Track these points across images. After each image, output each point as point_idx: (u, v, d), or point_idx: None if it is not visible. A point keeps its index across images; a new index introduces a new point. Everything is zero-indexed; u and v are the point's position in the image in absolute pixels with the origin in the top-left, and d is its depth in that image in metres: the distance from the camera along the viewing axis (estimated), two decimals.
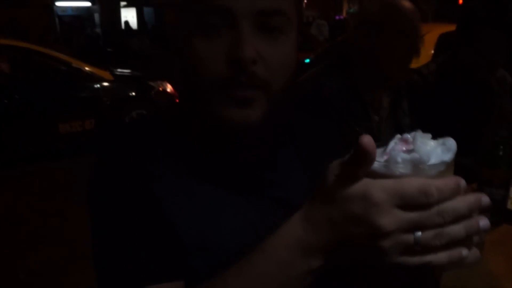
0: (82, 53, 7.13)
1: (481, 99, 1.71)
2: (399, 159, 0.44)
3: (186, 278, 0.62)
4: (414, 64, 1.90)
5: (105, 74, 5.27)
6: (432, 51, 4.74)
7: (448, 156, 0.45)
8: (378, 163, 0.45)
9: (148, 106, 5.30)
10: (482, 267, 1.16)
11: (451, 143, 0.46)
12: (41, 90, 4.76)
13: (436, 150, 0.45)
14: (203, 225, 0.65)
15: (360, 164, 0.44)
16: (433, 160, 0.44)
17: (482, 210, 0.47)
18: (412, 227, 0.43)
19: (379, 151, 0.47)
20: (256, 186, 0.70)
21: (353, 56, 1.47)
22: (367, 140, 0.42)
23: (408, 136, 0.47)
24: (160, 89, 5.62)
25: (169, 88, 5.76)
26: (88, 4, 15.80)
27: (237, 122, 0.63)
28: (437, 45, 4.79)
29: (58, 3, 14.11)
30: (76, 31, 11.90)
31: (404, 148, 0.46)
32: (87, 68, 5.10)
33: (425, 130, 1.48)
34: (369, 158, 0.43)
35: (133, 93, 5.38)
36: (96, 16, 15.82)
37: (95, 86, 5.10)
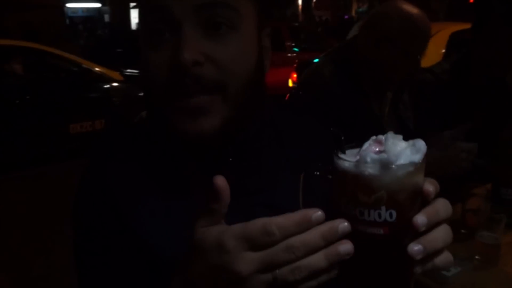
0: (92, 53, 7.18)
1: (496, 98, 1.68)
2: (368, 159, 0.45)
3: None
4: (425, 63, 1.89)
5: (115, 74, 5.31)
6: (443, 50, 4.71)
7: (417, 157, 0.46)
8: (349, 163, 0.46)
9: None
10: (498, 269, 1.14)
11: (421, 144, 0.47)
12: (52, 90, 4.80)
13: (405, 151, 0.46)
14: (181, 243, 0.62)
15: (216, 202, 0.46)
16: (402, 161, 0.45)
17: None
18: (268, 267, 0.43)
19: (354, 151, 0.49)
20: (242, 193, 0.66)
21: (358, 59, 1.46)
22: (219, 181, 0.46)
23: (382, 137, 0.48)
24: None
25: None
26: (98, 5, 15.93)
27: (192, 133, 0.60)
28: (449, 44, 4.75)
29: (68, 4, 14.25)
30: (86, 32, 12.00)
31: (376, 149, 0.47)
32: (97, 69, 5.14)
33: (437, 128, 1.45)
34: (223, 196, 0.46)
35: (142, 94, 5.39)
36: (106, 17, 15.95)
37: (105, 86, 5.14)
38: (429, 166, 1.31)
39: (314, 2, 19.19)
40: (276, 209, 0.64)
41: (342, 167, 0.47)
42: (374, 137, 0.49)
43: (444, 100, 1.67)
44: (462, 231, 1.29)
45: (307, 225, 0.43)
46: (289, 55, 8.13)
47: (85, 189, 0.70)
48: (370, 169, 0.45)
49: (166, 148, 0.67)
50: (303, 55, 7.53)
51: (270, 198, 0.68)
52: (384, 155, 0.45)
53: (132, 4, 15.85)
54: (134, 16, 16.31)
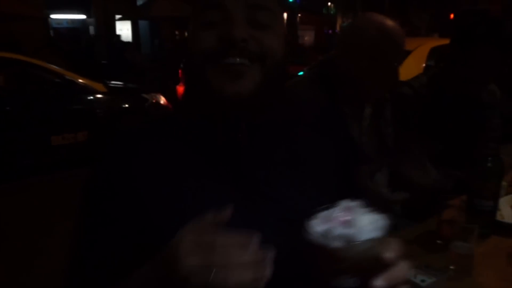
0: (76, 65, 7.13)
1: (471, 112, 1.72)
2: (335, 234, 0.50)
3: None
4: (406, 77, 1.93)
5: (99, 86, 5.27)
6: (424, 64, 4.82)
7: (379, 233, 0.51)
8: (317, 236, 0.51)
9: (141, 118, 5.29)
10: (471, 280, 1.15)
11: (383, 222, 0.52)
12: (34, 102, 4.73)
13: (368, 227, 0.51)
14: (182, 217, 0.65)
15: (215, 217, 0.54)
16: (365, 236, 0.50)
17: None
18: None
19: (325, 214, 0.54)
20: (248, 183, 0.72)
21: (337, 74, 1.47)
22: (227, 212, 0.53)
23: (351, 204, 0.54)
24: (154, 101, 5.62)
25: (162, 100, 5.77)
26: (84, 16, 15.87)
27: (229, 94, 0.68)
28: (429, 58, 4.87)
29: (53, 16, 14.15)
30: (71, 44, 11.92)
31: (345, 218, 0.52)
32: (80, 80, 5.09)
33: (413, 141, 1.47)
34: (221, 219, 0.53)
35: (127, 105, 5.37)
36: (91, 29, 15.89)
37: (89, 98, 5.09)
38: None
39: (299, 16, 19.48)
40: (278, 203, 0.72)
41: (312, 238, 0.52)
42: (344, 203, 0.54)
43: (422, 114, 1.71)
44: (438, 241, 1.31)
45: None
46: None
47: (100, 164, 0.74)
48: (336, 243, 0.50)
49: (186, 131, 0.74)
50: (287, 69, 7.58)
51: (273, 191, 0.72)
52: (349, 231, 0.50)
53: (117, 16, 15.85)
54: (120, 28, 16.28)
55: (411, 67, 4.31)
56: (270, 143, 0.75)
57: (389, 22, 1.39)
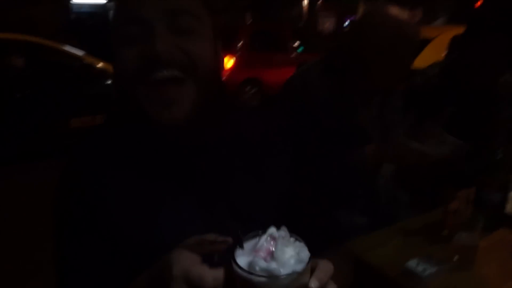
0: (95, 49, 7.21)
1: (483, 103, 1.68)
2: (257, 268, 0.51)
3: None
4: (424, 65, 1.89)
5: None
6: (444, 53, 4.71)
7: (300, 267, 0.52)
8: (241, 271, 0.52)
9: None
10: (474, 272, 1.15)
11: (305, 255, 0.53)
12: (53, 85, 4.82)
13: (290, 260, 0.52)
14: (145, 225, 0.69)
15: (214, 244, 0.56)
16: (286, 270, 0.51)
17: None
18: None
19: (252, 243, 0.55)
20: (198, 183, 0.72)
21: (347, 64, 1.45)
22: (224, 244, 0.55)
23: (276, 234, 0.55)
24: None
25: None
26: (104, 1, 15.97)
27: (165, 121, 0.66)
28: (450, 47, 4.75)
29: (74, 0, 14.29)
30: (91, 28, 12.03)
31: (269, 249, 0.53)
32: (99, 65, 5.16)
33: (425, 131, 1.43)
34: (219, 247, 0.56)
35: (115, 89, 5.41)
36: (111, 14, 16.01)
37: (106, 82, 5.16)
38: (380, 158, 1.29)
39: (319, 3, 19.14)
40: (228, 202, 0.72)
41: (236, 271, 0.53)
42: (270, 231, 0.55)
43: (433, 103, 1.68)
44: (444, 233, 1.30)
45: None
46: (291, 56, 8.13)
47: (64, 181, 0.76)
48: (258, 279, 0.51)
49: (138, 135, 0.73)
50: (306, 56, 7.52)
51: (223, 191, 0.73)
52: (271, 265, 0.51)
53: None
54: None
55: (431, 57, 4.22)
56: (220, 152, 0.75)
57: (402, 15, 1.36)
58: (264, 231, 0.55)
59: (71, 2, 13.75)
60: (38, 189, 3.95)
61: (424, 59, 3.99)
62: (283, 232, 0.55)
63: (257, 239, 0.55)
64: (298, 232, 0.57)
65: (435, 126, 1.57)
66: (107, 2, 15.89)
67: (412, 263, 1.11)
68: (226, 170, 0.74)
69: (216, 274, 0.53)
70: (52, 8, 11.33)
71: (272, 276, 0.51)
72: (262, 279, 0.51)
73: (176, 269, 0.53)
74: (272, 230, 0.55)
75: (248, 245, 0.55)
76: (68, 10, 13.68)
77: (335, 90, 1.42)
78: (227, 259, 0.53)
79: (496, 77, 1.64)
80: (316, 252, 0.54)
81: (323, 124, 1.39)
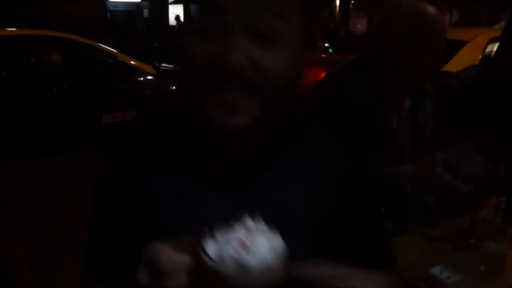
0: (129, 47, 7.40)
1: None
2: (227, 259, 0.48)
3: None
4: (459, 69, 1.84)
5: (148, 68, 5.45)
6: (480, 56, 4.56)
7: (272, 257, 0.49)
8: (208, 260, 0.48)
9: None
10: (501, 282, 1.12)
11: (277, 243, 0.50)
12: (88, 81, 4.98)
13: (262, 250, 0.49)
14: (192, 225, 0.67)
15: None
16: (258, 261, 0.48)
17: None
18: None
19: (224, 232, 0.51)
20: (248, 186, 0.69)
21: (376, 63, 1.44)
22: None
23: (251, 224, 0.51)
24: None
25: None
26: (139, 0, 16.32)
27: (221, 127, 0.63)
28: (486, 50, 4.60)
29: None
30: (125, 26, 12.34)
31: (242, 238, 0.50)
32: (131, 62, 5.29)
33: (456, 135, 1.40)
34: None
35: (174, 87, 5.52)
36: (145, 12, 16.35)
37: (138, 79, 5.29)
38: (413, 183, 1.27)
39: (352, 3, 18.92)
40: (283, 207, 0.69)
41: (204, 260, 0.49)
42: (245, 221, 0.52)
43: (467, 107, 1.64)
44: (471, 240, 1.27)
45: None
46: (322, 55, 8.07)
47: (110, 163, 0.76)
48: (228, 270, 0.47)
49: (189, 131, 0.71)
50: (336, 57, 7.45)
51: (274, 195, 0.70)
52: (242, 257, 0.48)
53: (170, 0, 16.17)
54: (172, 11, 16.63)
55: (466, 59, 4.10)
56: (270, 150, 0.72)
57: (426, 7, 1.34)
58: (238, 221, 0.52)
59: (107, 0, 14.14)
60: (69, 180, 4.10)
61: (459, 63, 3.88)
62: (258, 222, 0.52)
63: (230, 229, 0.52)
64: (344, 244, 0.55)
65: (469, 141, 1.51)
66: (141, 1, 16.25)
67: (435, 270, 1.09)
68: (276, 177, 0.71)
69: (175, 258, 0.50)
70: (89, 6, 11.69)
71: (242, 267, 0.47)
72: (232, 270, 0.47)
73: (143, 252, 0.53)
74: (246, 220, 0.52)
75: (221, 236, 0.52)
76: (105, 8, 14.09)
77: (368, 91, 1.41)
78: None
79: None
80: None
81: (359, 128, 1.36)
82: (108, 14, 14.23)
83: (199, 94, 0.64)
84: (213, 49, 0.60)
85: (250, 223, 0.52)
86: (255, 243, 0.49)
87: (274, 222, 0.62)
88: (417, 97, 1.55)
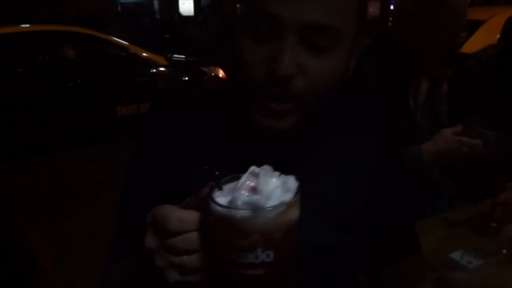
0: (140, 39, 7.42)
1: None
2: (239, 202, 0.45)
3: None
4: (476, 50, 1.79)
5: (160, 59, 5.46)
6: (498, 36, 4.43)
7: (288, 196, 0.46)
8: (220, 208, 0.46)
9: (200, 90, 5.40)
10: None
11: (291, 182, 0.48)
12: (101, 74, 5.02)
13: (276, 191, 0.47)
14: None
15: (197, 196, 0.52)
16: (272, 202, 0.45)
17: None
18: (172, 251, 0.49)
19: (232, 184, 0.50)
20: None
21: (394, 45, 1.41)
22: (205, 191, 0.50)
23: (257, 170, 0.49)
24: (212, 74, 5.73)
25: (221, 73, 5.86)
26: None
27: (264, 129, 0.64)
28: (504, 29, 4.46)
29: None
30: (136, 18, 12.36)
31: (251, 185, 0.48)
32: (144, 54, 5.31)
33: (472, 117, 1.37)
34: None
35: (186, 78, 5.53)
36: (155, 4, 16.36)
37: (151, 71, 5.30)
38: (433, 158, 1.27)
39: None
40: (321, 198, 0.69)
41: (215, 211, 0.47)
42: (251, 169, 0.50)
43: (486, 88, 1.60)
44: (493, 224, 1.25)
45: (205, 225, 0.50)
46: None
47: (143, 143, 0.78)
48: (241, 213, 0.45)
49: (225, 115, 0.73)
50: None
51: (315, 187, 0.70)
52: (254, 197, 0.46)
53: None
54: (182, 2, 16.59)
55: (483, 39, 3.99)
56: (309, 143, 0.73)
57: None
58: (244, 172, 0.51)
59: None
60: (86, 174, 4.16)
61: (476, 43, 3.77)
62: (266, 166, 0.50)
63: (236, 180, 0.50)
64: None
65: (483, 121, 1.49)
66: None
67: (456, 255, 1.08)
68: (314, 168, 0.72)
69: (182, 215, 0.49)
70: (101, 0, 11.74)
71: (256, 209, 0.45)
72: (245, 213, 0.45)
73: (148, 217, 0.52)
74: (252, 168, 0.50)
75: (228, 187, 0.50)
76: (116, 2, 14.13)
77: (386, 75, 1.39)
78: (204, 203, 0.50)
79: None
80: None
81: (380, 113, 1.35)
82: (119, 7, 14.28)
83: (246, 97, 0.64)
84: (264, 53, 0.60)
85: (256, 169, 0.50)
86: (264, 184, 0.47)
87: (312, 212, 0.63)
88: (434, 81, 1.52)
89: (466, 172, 1.55)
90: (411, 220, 0.86)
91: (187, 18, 13.24)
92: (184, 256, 0.49)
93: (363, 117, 0.82)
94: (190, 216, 0.50)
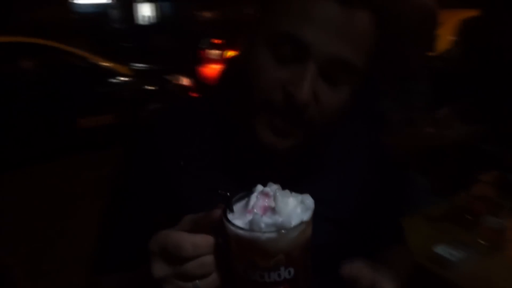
0: (100, 48, 7.23)
1: (506, 84, 1.66)
2: (263, 225, 0.46)
3: None
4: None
5: (124, 69, 5.34)
6: (452, 38, 4.65)
7: (307, 215, 0.48)
8: (243, 231, 0.46)
9: (166, 100, 5.34)
10: (503, 254, 1.14)
11: (309, 201, 0.49)
12: (61, 85, 4.83)
13: (296, 210, 0.48)
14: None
15: (204, 218, 0.51)
16: (294, 222, 0.47)
17: None
18: (184, 277, 0.49)
19: (241, 204, 0.50)
20: (289, 185, 0.69)
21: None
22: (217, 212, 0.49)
23: (268, 190, 0.50)
24: (176, 82, 5.66)
25: (185, 81, 5.80)
26: (106, 1, 15.97)
27: (266, 145, 0.63)
28: (460, 31, 4.68)
29: (77, 1, 14.33)
30: (94, 27, 12.06)
31: (265, 204, 0.49)
32: (106, 64, 5.17)
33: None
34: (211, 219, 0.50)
35: (152, 87, 5.43)
36: (114, 12, 16.01)
37: (114, 81, 5.17)
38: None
39: None
40: (316, 199, 0.68)
41: (235, 234, 0.47)
42: (260, 188, 0.50)
43: (454, 87, 1.66)
44: (468, 217, 1.29)
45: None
46: None
47: (129, 154, 0.74)
48: (267, 236, 0.45)
49: (224, 126, 0.71)
50: None
51: (311, 188, 0.69)
52: (278, 218, 0.46)
53: None
54: (141, 11, 16.34)
55: (441, 41, 4.17)
56: (309, 157, 0.74)
57: None
58: (249, 192, 0.51)
59: (74, 2, 13.79)
60: (47, 190, 3.98)
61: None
62: (274, 186, 0.51)
63: (245, 200, 0.50)
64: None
65: (455, 112, 1.56)
66: (110, 1, 15.92)
67: (441, 249, 1.11)
68: (312, 176, 0.72)
69: (195, 240, 0.48)
70: (57, 9, 11.36)
71: (281, 230, 0.46)
72: (271, 235, 0.45)
73: (152, 245, 0.49)
74: (259, 187, 0.51)
75: (236, 207, 0.50)
76: (73, 11, 13.74)
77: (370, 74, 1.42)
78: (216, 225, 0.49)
79: None
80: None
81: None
82: (76, 17, 13.87)
83: (256, 113, 0.63)
84: (285, 75, 0.59)
85: (266, 189, 0.50)
86: (283, 204, 0.48)
87: (316, 216, 0.63)
88: (410, 80, 1.57)
89: (435, 166, 1.62)
90: (400, 216, 0.89)
91: (147, 26, 13.04)
92: (197, 281, 0.49)
93: (353, 119, 0.83)
94: (204, 240, 0.49)
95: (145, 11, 16.16)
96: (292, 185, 0.67)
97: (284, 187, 0.55)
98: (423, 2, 1.36)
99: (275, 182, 0.57)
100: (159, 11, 17.05)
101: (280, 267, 0.47)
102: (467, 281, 1.04)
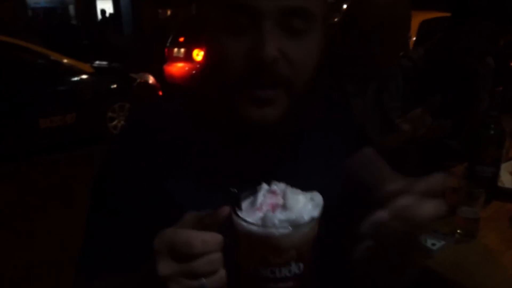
0: (57, 45, 6.94)
1: (466, 82, 1.75)
2: (276, 221, 0.47)
3: None
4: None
5: (85, 66, 5.16)
6: (414, 38, 4.83)
7: (317, 212, 0.49)
8: (256, 227, 0.47)
9: (130, 98, 5.23)
10: (477, 242, 1.20)
11: (319, 198, 0.51)
12: (19, 84, 4.61)
13: (307, 206, 0.50)
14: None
15: (209, 218, 0.51)
16: (306, 218, 0.48)
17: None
18: (191, 275, 0.48)
19: (247, 202, 0.51)
20: (275, 177, 0.68)
21: (339, 56, 1.47)
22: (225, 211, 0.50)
23: (275, 188, 0.51)
24: (142, 81, 5.54)
25: (151, 80, 5.69)
26: None
27: (255, 120, 0.64)
28: (419, 31, 4.88)
29: None
30: (49, 24, 11.57)
31: (273, 202, 0.50)
32: (66, 61, 4.98)
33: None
34: (217, 219, 0.50)
35: (115, 86, 5.29)
36: (71, 8, 15.43)
37: (76, 79, 4.99)
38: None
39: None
40: (306, 189, 0.69)
41: (248, 230, 0.48)
42: (266, 187, 0.52)
43: (422, 85, 1.73)
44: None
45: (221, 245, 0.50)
46: None
47: (119, 147, 0.73)
48: (281, 231, 0.47)
49: (210, 120, 0.70)
50: None
51: (303, 182, 0.70)
52: (291, 215, 0.48)
53: None
54: (100, 7, 15.85)
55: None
56: (292, 138, 0.75)
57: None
58: (253, 190, 0.52)
59: None
60: (7, 193, 3.80)
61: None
62: (282, 184, 0.52)
63: (250, 198, 0.52)
64: None
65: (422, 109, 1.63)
66: None
67: (421, 239, 1.15)
68: (299, 165, 0.72)
69: (205, 237, 0.48)
70: (7, 5, 10.81)
71: (294, 225, 0.47)
72: (284, 231, 0.47)
73: (158, 243, 0.49)
74: (265, 186, 0.52)
75: (244, 205, 0.51)
76: (25, 6, 13.11)
77: (329, 80, 1.44)
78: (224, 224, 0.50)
79: (481, 58, 1.71)
80: None
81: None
82: (30, 12, 13.26)
83: (233, 92, 0.63)
84: (244, 44, 0.61)
85: (273, 187, 0.51)
86: (294, 201, 0.49)
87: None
88: (380, 80, 1.62)
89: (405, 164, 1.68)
90: None
91: (108, 23, 12.68)
92: (203, 278, 0.48)
93: (337, 111, 0.86)
94: (213, 237, 0.49)
95: (105, 7, 15.67)
96: (276, 176, 0.69)
97: (268, 177, 0.56)
98: (392, 3, 1.39)
99: (262, 172, 0.59)
100: (120, 7, 16.60)
101: (291, 262, 0.48)
102: (446, 268, 1.09)
